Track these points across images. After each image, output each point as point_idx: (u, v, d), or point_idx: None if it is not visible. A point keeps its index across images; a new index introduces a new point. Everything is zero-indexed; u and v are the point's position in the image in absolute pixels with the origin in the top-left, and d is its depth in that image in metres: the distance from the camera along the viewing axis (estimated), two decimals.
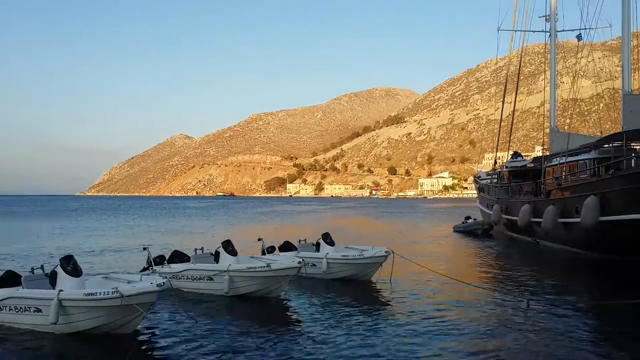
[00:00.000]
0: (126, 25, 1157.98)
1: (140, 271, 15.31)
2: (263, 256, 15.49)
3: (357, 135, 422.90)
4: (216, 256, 14.83)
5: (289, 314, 12.32)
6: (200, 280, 14.17)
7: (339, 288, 15.07)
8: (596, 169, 21.99)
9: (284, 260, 13.51)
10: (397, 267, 16.25)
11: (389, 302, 13.24)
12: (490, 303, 12.78)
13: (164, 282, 9.87)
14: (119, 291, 9.42)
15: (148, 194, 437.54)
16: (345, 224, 49.66)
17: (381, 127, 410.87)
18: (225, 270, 13.50)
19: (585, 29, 32.42)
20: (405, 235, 36.29)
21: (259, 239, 16.71)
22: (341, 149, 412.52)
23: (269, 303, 12.92)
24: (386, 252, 15.77)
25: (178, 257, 15.55)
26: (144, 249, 15.24)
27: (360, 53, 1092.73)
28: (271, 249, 17.13)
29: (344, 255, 16.22)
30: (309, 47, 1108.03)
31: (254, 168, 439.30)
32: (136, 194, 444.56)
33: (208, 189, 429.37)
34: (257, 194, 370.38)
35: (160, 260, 15.39)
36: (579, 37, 32.84)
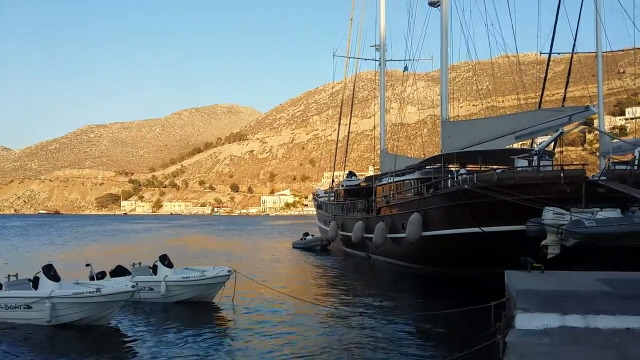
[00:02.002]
0: None
1: None
2: (91, 281, 14.32)
3: (199, 151, 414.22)
4: (35, 282, 13.38)
5: (122, 342, 11.53)
6: (16, 309, 12.66)
7: (179, 311, 14.53)
8: (419, 188, 23.99)
9: (115, 284, 12.64)
10: (240, 286, 16.10)
11: (231, 323, 13.08)
12: (327, 318, 13.26)
13: None
14: None
15: None
16: (185, 243, 48.11)
17: (223, 143, 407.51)
18: (47, 297, 12.22)
19: (410, 60, 35.70)
20: (247, 252, 36.24)
21: (87, 265, 15.37)
22: (181, 165, 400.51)
23: (98, 332, 11.96)
24: (229, 271, 15.54)
25: None
26: None
27: (203, 68, 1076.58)
28: (101, 275, 15.88)
29: (184, 277, 15.66)
30: (148, 58, 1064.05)
31: (83, 184, 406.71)
32: None
33: (29, 207, 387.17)
34: (87, 212, 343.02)
35: None
36: (405, 69, 36.00)
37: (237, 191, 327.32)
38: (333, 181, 45.29)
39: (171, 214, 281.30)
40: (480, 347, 8.28)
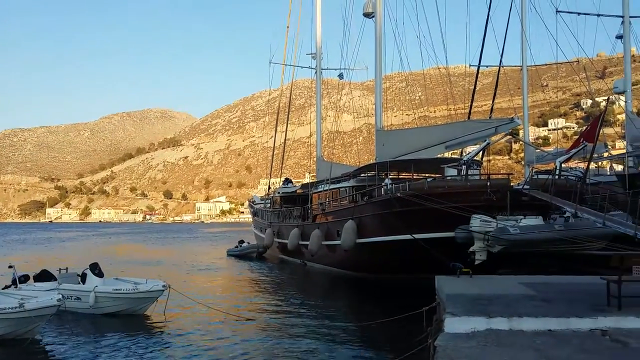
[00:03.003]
0: None
1: None
2: (15, 291, 13.56)
3: (130, 156, 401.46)
4: None
5: (46, 358, 10.98)
6: None
7: (107, 324, 13.98)
8: (354, 195, 24.33)
9: (41, 298, 12.02)
10: (173, 299, 15.59)
11: (161, 339, 12.70)
12: (259, 331, 13.19)
13: None
14: None
15: None
16: (115, 252, 46.38)
17: (156, 149, 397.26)
18: None
19: (345, 69, 36.29)
20: (181, 261, 35.40)
21: (10, 267, 14.64)
22: (111, 170, 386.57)
23: (21, 346, 11.33)
24: (163, 286, 15.09)
25: None
26: None
27: (134, 71, 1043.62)
28: (24, 278, 15.08)
29: (115, 289, 15.04)
30: (76, 60, 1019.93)
31: (5, 190, 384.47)
32: None
33: None
34: (10, 220, 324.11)
35: None
36: (340, 76, 36.54)
37: (170, 198, 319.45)
38: (269, 188, 45.11)
39: (100, 221, 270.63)
40: (412, 353, 8.50)
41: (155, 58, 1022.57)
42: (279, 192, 37.36)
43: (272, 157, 46.29)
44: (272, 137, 47.57)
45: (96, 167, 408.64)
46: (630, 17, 26.89)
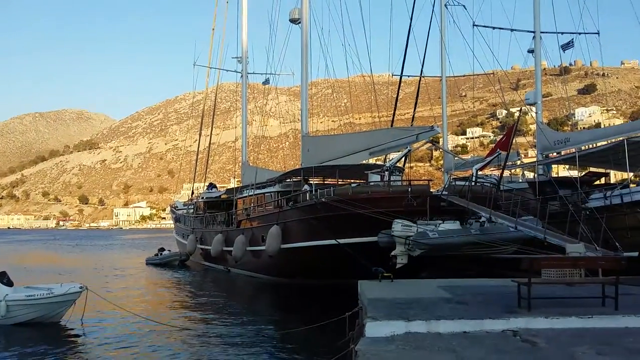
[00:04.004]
0: None
1: None
2: None
3: (43, 159, 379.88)
4: None
5: None
6: None
7: (20, 335, 13.21)
8: (279, 201, 24.23)
9: None
10: (91, 306, 14.91)
11: (79, 347, 12.11)
12: (179, 339, 12.83)
13: None
14: None
15: None
16: (26, 261, 43.49)
17: (72, 152, 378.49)
18: None
19: (272, 74, 36.16)
20: (95, 271, 33.76)
21: None
22: (22, 174, 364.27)
23: None
24: (80, 287, 14.48)
25: None
26: None
27: (49, 69, 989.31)
28: None
29: (28, 296, 14.26)
30: None
31: None
32: None
33: None
34: None
35: None
36: (266, 82, 36.35)
37: (86, 203, 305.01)
38: (193, 193, 44.07)
39: (9, 228, 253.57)
40: (335, 358, 8.50)
41: (71, 55, 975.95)
42: (202, 198, 36.58)
43: (196, 162, 45.38)
44: (196, 140, 46.64)
45: (5, 170, 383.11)
46: (541, 32, 28.57)
